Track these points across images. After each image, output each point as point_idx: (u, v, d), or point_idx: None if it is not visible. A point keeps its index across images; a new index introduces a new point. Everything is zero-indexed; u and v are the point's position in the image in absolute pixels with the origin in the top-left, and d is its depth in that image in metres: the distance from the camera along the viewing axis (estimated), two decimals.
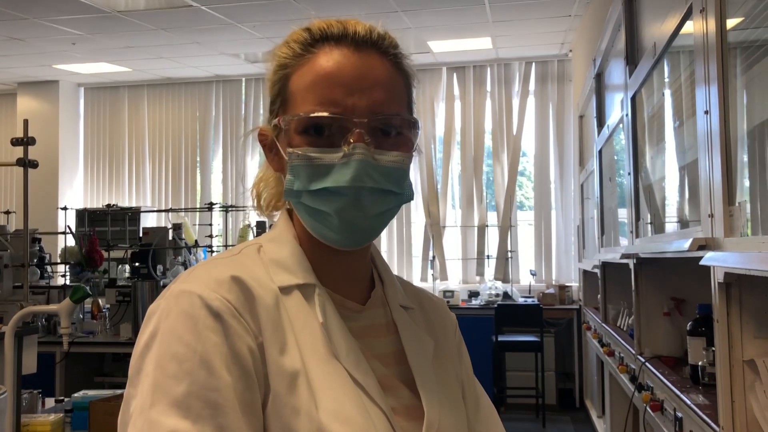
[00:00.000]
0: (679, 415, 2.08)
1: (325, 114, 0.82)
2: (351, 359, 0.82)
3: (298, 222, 0.90)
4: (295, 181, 0.84)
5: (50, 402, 2.71)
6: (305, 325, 0.82)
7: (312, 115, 0.82)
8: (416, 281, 7.27)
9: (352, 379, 0.81)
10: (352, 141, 0.82)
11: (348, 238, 0.84)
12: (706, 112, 1.75)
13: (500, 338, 5.97)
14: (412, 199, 0.89)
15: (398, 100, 0.87)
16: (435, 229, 7.30)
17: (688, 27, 2.02)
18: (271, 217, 0.96)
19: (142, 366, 0.76)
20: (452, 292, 6.82)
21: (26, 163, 2.34)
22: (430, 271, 7.28)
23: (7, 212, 6.14)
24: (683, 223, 2.44)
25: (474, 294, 6.93)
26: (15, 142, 2.25)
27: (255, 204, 0.95)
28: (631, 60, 3.08)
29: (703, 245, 1.77)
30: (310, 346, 0.81)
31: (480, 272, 7.26)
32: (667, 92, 2.64)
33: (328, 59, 0.84)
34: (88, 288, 2.06)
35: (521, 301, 6.66)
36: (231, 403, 0.73)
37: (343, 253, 0.88)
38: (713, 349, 1.88)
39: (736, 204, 1.62)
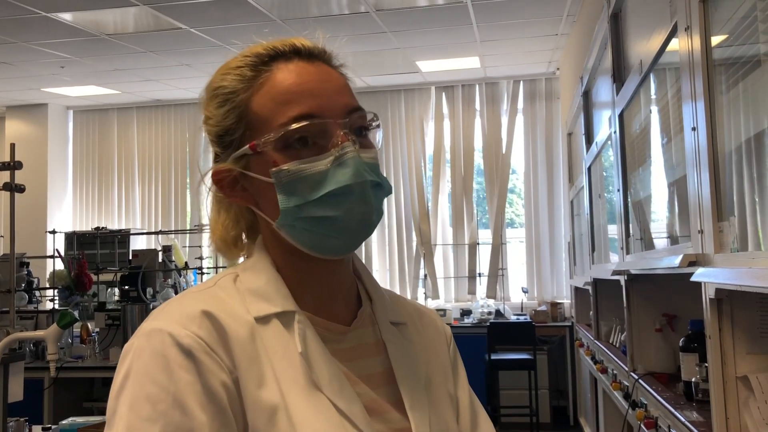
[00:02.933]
0: None
1: (311, 120, 0.82)
2: (334, 387, 0.80)
3: (272, 251, 0.89)
4: (290, 198, 0.82)
5: (37, 430, 2.66)
6: (284, 355, 0.81)
7: (296, 125, 0.82)
8: None
9: (335, 409, 0.79)
10: (340, 142, 0.82)
11: (353, 240, 0.84)
12: (694, 129, 1.76)
13: (493, 356, 5.95)
14: (391, 192, 0.89)
15: (357, 101, 0.89)
16: (426, 248, 7.29)
17: (674, 44, 2.03)
18: (241, 256, 0.93)
19: (117, 407, 0.75)
20: (444, 310, 6.79)
21: (13, 188, 2.33)
22: (421, 290, 7.26)
23: None
24: (673, 239, 2.44)
25: (466, 312, 6.91)
26: (2, 166, 2.24)
27: (221, 251, 0.91)
28: (618, 77, 3.10)
29: (694, 261, 1.77)
30: (289, 377, 0.79)
31: (471, 290, 7.25)
32: (654, 109, 2.66)
33: (289, 73, 0.85)
34: (76, 313, 2.03)
35: (513, 318, 6.65)
36: None
37: (326, 272, 0.87)
38: (706, 365, 1.87)
39: (726, 220, 1.63)
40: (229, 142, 0.87)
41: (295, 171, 0.82)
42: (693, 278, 1.71)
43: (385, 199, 0.88)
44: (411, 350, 0.93)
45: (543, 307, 6.73)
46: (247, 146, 0.84)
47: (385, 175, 0.88)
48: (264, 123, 0.84)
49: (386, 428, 0.84)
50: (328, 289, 0.89)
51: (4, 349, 1.87)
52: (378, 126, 0.89)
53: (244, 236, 0.92)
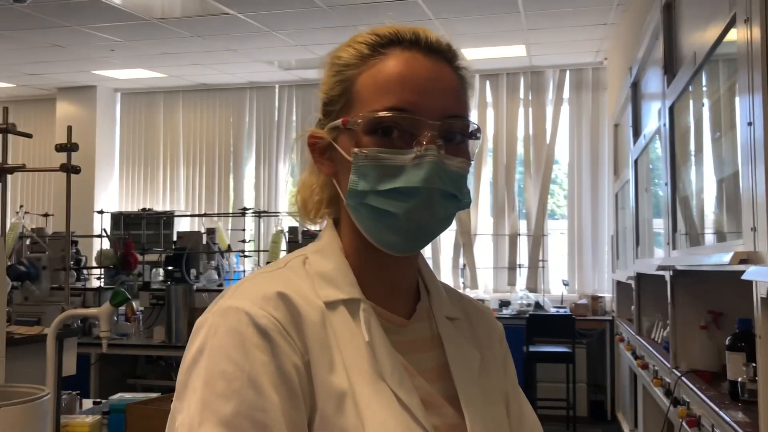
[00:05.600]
0: (718, 431, 2.04)
1: (401, 114, 0.82)
2: (395, 378, 0.81)
3: (344, 233, 0.90)
4: (359, 181, 0.82)
5: (87, 403, 2.75)
6: (351, 342, 0.81)
7: (385, 114, 0.81)
8: None
9: (397, 399, 0.80)
10: (424, 143, 0.81)
11: (410, 242, 0.84)
12: (750, 124, 1.72)
13: (531, 348, 5.92)
14: (470, 206, 0.88)
15: (465, 107, 0.88)
16: (465, 237, 7.27)
17: (732, 35, 1.99)
18: (316, 224, 0.94)
19: (189, 381, 0.76)
20: (483, 301, 6.77)
21: (69, 169, 2.39)
22: (460, 280, 7.25)
23: (46, 215, 6.26)
24: (720, 236, 2.40)
25: (505, 303, 6.88)
26: (59, 148, 2.30)
27: (299, 210, 0.93)
28: (669, 69, 3.04)
29: (745, 259, 1.74)
30: (356, 365, 0.80)
31: (511, 281, 7.21)
32: (707, 102, 2.60)
33: (400, 61, 0.84)
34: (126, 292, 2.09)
35: (553, 311, 6.60)
36: (278, 424, 0.73)
37: (391, 264, 0.88)
38: (754, 365, 1.84)
39: None
40: (330, 111, 0.88)
41: (372, 156, 0.82)
42: (744, 276, 1.68)
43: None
44: (465, 346, 0.93)
45: (583, 301, 6.66)
46: (340, 120, 0.85)
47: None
48: (362, 103, 0.84)
49: (441, 422, 0.84)
50: (391, 280, 0.89)
51: (59, 325, 1.93)
52: (477, 138, 0.88)
53: (320, 209, 0.93)
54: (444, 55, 0.87)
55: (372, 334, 0.83)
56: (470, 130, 0.87)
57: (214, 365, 0.75)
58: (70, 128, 2.42)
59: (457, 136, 0.85)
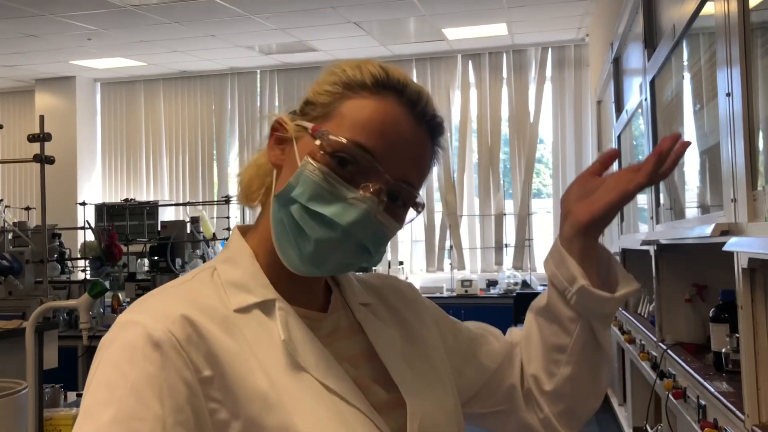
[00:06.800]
0: (703, 402, 2.05)
1: (365, 154, 0.82)
2: (321, 368, 0.82)
3: (254, 237, 0.90)
4: (296, 187, 0.82)
5: (72, 396, 2.73)
6: (268, 343, 0.82)
7: (352, 146, 0.82)
8: (432, 271, 7.27)
9: (325, 388, 0.81)
10: (371, 190, 0.82)
11: (306, 267, 0.84)
12: (728, 95, 1.72)
13: (519, 327, 5.94)
14: (375, 266, 0.92)
15: (422, 182, 0.89)
16: (452, 219, 7.27)
17: (709, 8, 1.98)
18: (251, 206, 0.94)
19: (83, 394, 0.77)
20: (470, 281, 6.79)
21: (43, 159, 2.36)
22: (447, 261, 7.26)
23: (27, 208, 6.19)
24: (704, 208, 2.40)
25: (492, 283, 6.90)
26: (32, 138, 2.26)
27: (243, 189, 0.93)
28: (650, 43, 3.03)
29: (726, 231, 1.74)
30: (275, 364, 0.80)
31: (498, 261, 7.23)
32: (687, 75, 2.60)
33: (392, 111, 0.85)
34: (107, 283, 2.07)
35: (540, 289, 6.62)
36: None
37: None
38: (737, 335, 1.85)
39: (760, 188, 1.59)
40: (307, 112, 0.88)
41: (319, 173, 0.82)
42: (725, 248, 1.68)
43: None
44: (384, 328, 0.95)
45: None
46: (311, 125, 0.85)
47: None
48: (338, 123, 0.84)
49: (374, 400, 0.86)
50: (302, 279, 0.89)
51: (38, 318, 1.91)
52: (417, 212, 0.89)
53: (258, 192, 0.92)
54: (432, 130, 0.89)
55: (290, 330, 0.83)
56: (417, 200, 0.88)
57: (102, 376, 0.75)
58: (42, 117, 2.38)
59: (399, 201, 0.86)
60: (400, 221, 0.87)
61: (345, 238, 0.82)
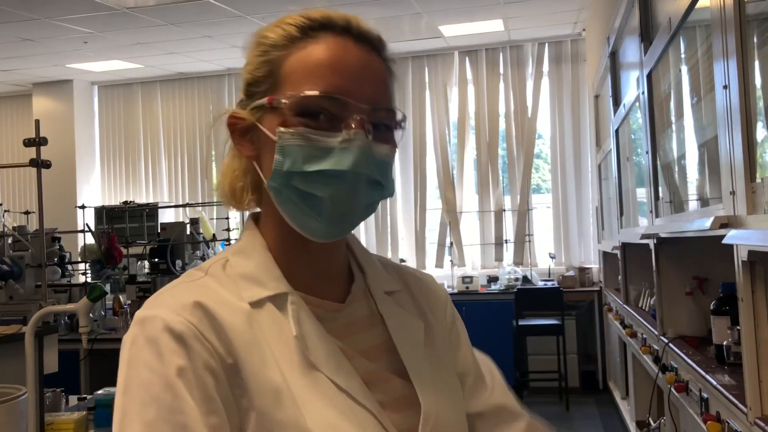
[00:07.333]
0: (705, 395, 2.05)
1: (332, 96, 0.80)
2: (331, 365, 0.81)
3: (268, 224, 0.89)
4: (284, 161, 0.80)
5: (74, 400, 2.73)
6: (280, 338, 0.81)
7: (315, 94, 0.80)
8: (433, 268, 7.27)
9: (334, 386, 0.80)
10: (353, 126, 0.80)
11: (333, 228, 0.83)
12: (725, 87, 1.71)
13: (521, 322, 5.95)
14: (393, 195, 0.87)
15: (392, 98, 0.87)
16: (451, 215, 7.27)
17: (704, 1, 1.97)
18: (249, 209, 0.92)
19: (117, 396, 0.77)
20: (471, 277, 6.79)
21: (39, 164, 2.35)
22: (447, 258, 7.25)
23: (27, 212, 6.18)
24: (703, 201, 2.40)
25: (493, 279, 6.90)
26: (27, 142, 2.25)
27: (227, 197, 0.90)
28: (646, 37, 3.02)
29: (725, 223, 1.74)
30: (287, 359, 0.80)
31: (498, 257, 7.22)
32: (684, 68, 2.59)
33: (332, 47, 0.83)
34: (107, 286, 2.06)
35: (541, 284, 6.63)
36: (197, 425, 0.73)
37: (319, 251, 0.87)
38: (738, 328, 1.85)
39: (758, 180, 1.59)
40: (254, 93, 0.86)
41: (299, 136, 0.80)
42: (725, 240, 1.67)
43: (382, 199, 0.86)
44: (408, 318, 0.93)
45: (570, 273, 6.69)
46: (266, 99, 0.83)
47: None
48: (290, 85, 0.82)
49: (387, 397, 0.84)
50: (320, 267, 0.88)
51: (37, 322, 1.90)
52: (403, 128, 0.87)
53: (250, 192, 0.89)
54: (374, 44, 0.86)
55: (301, 326, 0.82)
56: (397, 118, 0.86)
57: (134, 375, 0.76)
58: (37, 122, 2.37)
59: (382, 127, 0.84)
60: (392, 143, 0.86)
61: (355, 182, 0.80)
